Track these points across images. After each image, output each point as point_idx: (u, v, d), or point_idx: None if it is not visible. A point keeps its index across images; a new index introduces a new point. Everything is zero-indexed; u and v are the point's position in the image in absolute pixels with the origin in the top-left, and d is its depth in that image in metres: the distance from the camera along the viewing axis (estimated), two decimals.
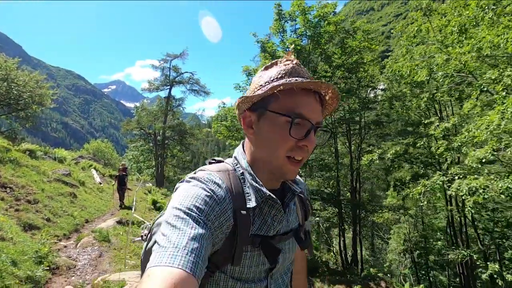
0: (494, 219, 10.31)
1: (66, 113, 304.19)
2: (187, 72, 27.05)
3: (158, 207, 12.19)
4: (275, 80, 0.68)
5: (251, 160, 0.74)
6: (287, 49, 10.42)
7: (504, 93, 4.78)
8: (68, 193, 8.51)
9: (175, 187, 0.71)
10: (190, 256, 0.51)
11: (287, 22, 10.72)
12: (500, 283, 7.69)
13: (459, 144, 5.34)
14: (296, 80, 0.65)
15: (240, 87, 10.76)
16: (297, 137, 0.66)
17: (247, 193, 0.70)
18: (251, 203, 0.68)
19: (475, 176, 4.91)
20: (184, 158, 29.36)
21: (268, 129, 0.69)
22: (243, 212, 0.67)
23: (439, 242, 12.99)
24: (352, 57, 10.28)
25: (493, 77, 5.05)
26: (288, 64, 0.71)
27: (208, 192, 0.64)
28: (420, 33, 8.20)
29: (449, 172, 5.93)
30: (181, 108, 27.44)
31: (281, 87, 0.64)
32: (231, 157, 0.81)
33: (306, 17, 9.74)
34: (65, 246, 5.55)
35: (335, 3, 10.42)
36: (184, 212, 0.58)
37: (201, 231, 0.57)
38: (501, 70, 5.10)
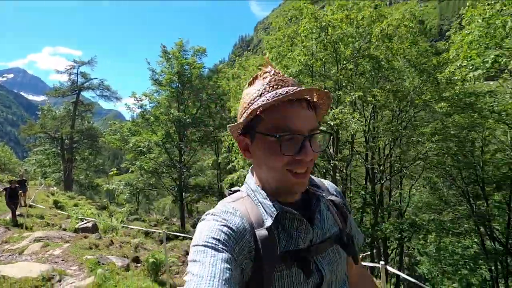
0: None
1: None
2: (96, 78, 27.95)
3: (59, 206, 14.31)
4: (256, 98, 0.68)
5: (260, 181, 0.74)
6: (174, 78, 14.10)
7: None
8: None
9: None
10: (213, 280, 0.53)
11: (170, 60, 14.42)
12: None
13: None
14: (275, 94, 0.65)
15: (130, 108, 13.96)
16: (290, 153, 0.64)
17: (263, 213, 0.70)
18: (268, 222, 0.67)
19: None
20: (96, 162, 29.91)
21: (261, 150, 0.68)
22: (263, 232, 0.66)
23: None
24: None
25: None
26: (266, 77, 0.70)
27: (222, 221, 0.65)
28: None
29: None
30: (90, 114, 28.20)
31: (260, 108, 0.64)
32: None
33: (179, 61, 13.67)
34: None
35: (203, 48, 14.57)
36: (202, 245, 0.60)
37: (221, 256, 0.58)
38: None
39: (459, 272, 14.37)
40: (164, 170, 14.30)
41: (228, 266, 0.57)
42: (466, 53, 5.42)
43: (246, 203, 0.72)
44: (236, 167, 9.43)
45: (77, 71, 26.83)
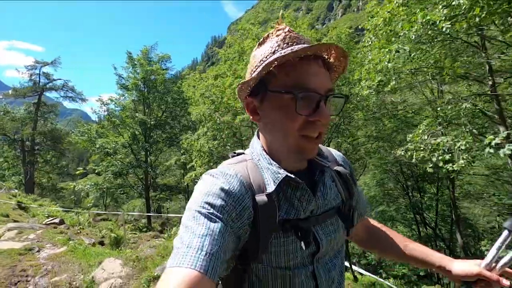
0: None
1: None
2: (60, 79, 27.47)
3: (23, 207, 14.49)
4: (269, 55, 0.64)
5: (267, 146, 0.71)
6: (140, 83, 14.90)
7: None
8: None
9: None
10: (200, 254, 0.52)
11: (136, 66, 15.24)
12: None
13: None
14: (291, 50, 0.60)
15: (95, 112, 14.61)
16: (306, 113, 0.61)
17: (266, 178, 0.67)
18: (270, 188, 0.65)
19: None
20: (59, 164, 29.27)
21: (273, 110, 0.65)
22: (263, 198, 0.64)
23: None
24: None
25: None
26: (280, 34, 0.66)
27: (220, 184, 0.62)
28: None
29: None
30: (54, 115, 27.69)
31: (276, 62, 0.59)
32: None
33: (144, 67, 14.60)
34: None
35: (168, 55, 15.57)
36: (196, 211, 0.58)
37: (213, 226, 0.56)
38: None
39: None
40: (129, 171, 15.08)
41: (218, 238, 0.55)
42: (365, 76, 7.20)
43: (248, 166, 0.70)
44: (194, 166, 10.64)
45: (40, 71, 26.20)
